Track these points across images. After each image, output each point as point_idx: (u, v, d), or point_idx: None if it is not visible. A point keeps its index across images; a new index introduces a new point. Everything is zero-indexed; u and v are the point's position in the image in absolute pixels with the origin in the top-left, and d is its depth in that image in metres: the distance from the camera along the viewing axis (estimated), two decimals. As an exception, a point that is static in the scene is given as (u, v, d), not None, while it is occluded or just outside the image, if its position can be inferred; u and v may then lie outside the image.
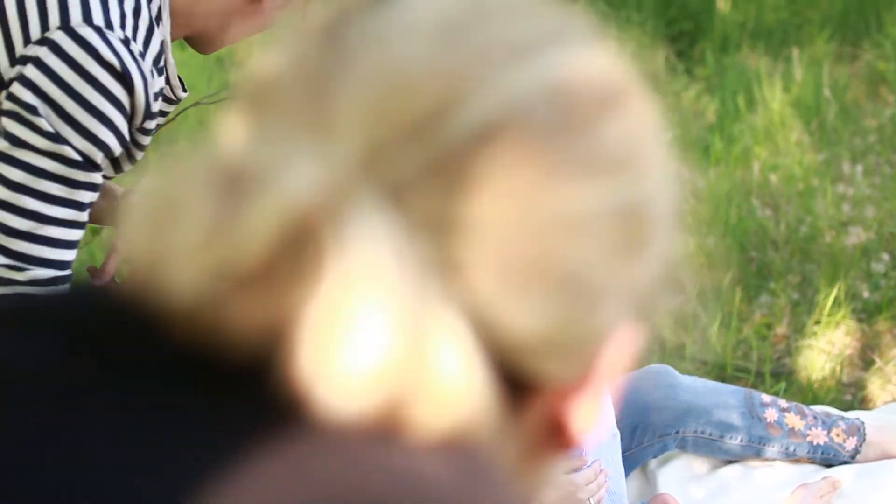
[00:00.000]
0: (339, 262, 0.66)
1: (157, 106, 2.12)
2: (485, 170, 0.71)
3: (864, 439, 3.17)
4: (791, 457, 3.15)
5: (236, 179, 0.69)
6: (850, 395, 4.11)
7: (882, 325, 4.49)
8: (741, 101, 6.53)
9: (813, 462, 3.18)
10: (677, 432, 3.08)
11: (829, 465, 3.18)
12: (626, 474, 3.11)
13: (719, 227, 5.07)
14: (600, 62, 0.80)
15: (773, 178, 5.75)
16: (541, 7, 0.80)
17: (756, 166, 5.83)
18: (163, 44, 2.18)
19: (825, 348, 4.32)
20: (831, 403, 3.95)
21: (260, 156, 0.70)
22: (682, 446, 3.11)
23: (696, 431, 3.07)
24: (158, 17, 2.14)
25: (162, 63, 2.21)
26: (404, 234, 0.68)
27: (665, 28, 8.04)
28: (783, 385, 3.97)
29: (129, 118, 2.04)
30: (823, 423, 3.16)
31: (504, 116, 0.72)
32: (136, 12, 2.10)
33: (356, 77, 0.72)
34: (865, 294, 4.73)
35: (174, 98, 2.30)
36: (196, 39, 2.31)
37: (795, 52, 7.07)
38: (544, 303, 0.73)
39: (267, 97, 0.75)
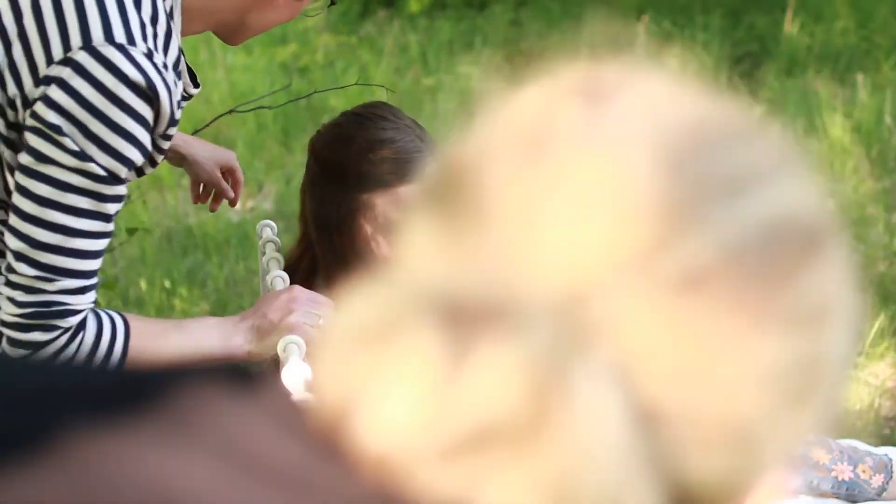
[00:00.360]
0: (564, 424, 0.64)
1: (179, 113, 2.13)
2: (691, 316, 0.68)
3: (892, 476, 3.11)
4: (815, 490, 3.09)
5: (462, 315, 0.64)
6: (889, 428, 4.04)
7: (927, 359, 4.41)
8: (802, 125, 6.46)
9: (837, 497, 3.12)
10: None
11: (854, 501, 3.12)
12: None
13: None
14: (808, 201, 0.76)
15: (831, 204, 5.66)
16: (758, 135, 0.76)
17: (811, 192, 5.74)
18: (179, 47, 2.20)
19: (867, 380, 4.25)
20: (868, 437, 3.88)
21: (481, 288, 0.66)
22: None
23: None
24: (171, 16, 2.14)
25: (181, 66, 2.24)
26: (618, 389, 0.66)
27: (731, 48, 7.97)
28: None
29: (153, 130, 2.05)
30: (850, 458, 3.10)
31: (717, 258, 0.69)
32: (154, 19, 2.10)
33: (566, 202, 0.68)
34: (913, 326, 4.65)
35: (187, 95, 2.32)
36: (218, 32, 2.32)
37: (860, 78, 6.97)
38: (717, 455, 0.71)
39: (469, 210, 0.70)
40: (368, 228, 2.55)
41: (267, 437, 0.66)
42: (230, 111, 3.26)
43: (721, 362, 0.69)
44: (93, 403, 0.66)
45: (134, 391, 0.68)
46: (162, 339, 2.21)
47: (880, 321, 4.46)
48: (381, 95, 5.56)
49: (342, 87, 2.93)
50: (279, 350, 2.29)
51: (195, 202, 3.07)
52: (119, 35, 2.00)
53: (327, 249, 2.61)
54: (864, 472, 3.10)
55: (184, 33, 2.23)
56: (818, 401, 0.76)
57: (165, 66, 2.05)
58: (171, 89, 2.04)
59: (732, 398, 0.70)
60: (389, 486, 0.64)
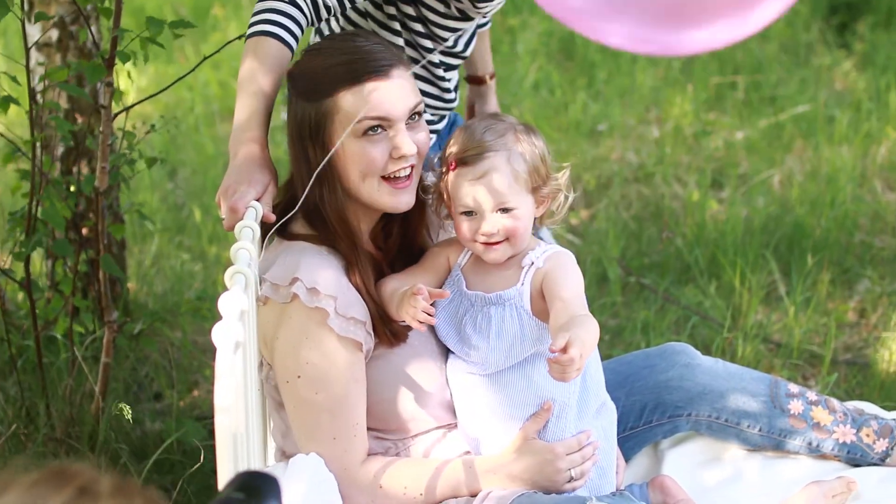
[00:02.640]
0: None
1: None
2: None
3: (896, 442, 3.00)
4: (815, 452, 2.99)
5: None
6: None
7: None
8: (889, 79, 6.24)
9: (839, 460, 3.02)
10: (689, 414, 2.95)
11: (856, 465, 3.01)
12: (634, 452, 3.00)
13: (825, 208, 4.85)
14: None
15: (907, 160, 5.48)
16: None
17: (885, 147, 5.56)
18: None
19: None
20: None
21: None
22: (697, 429, 2.98)
23: (709, 416, 2.95)
24: None
25: None
26: None
27: (829, -3, 7.73)
28: (835, 375, 3.79)
29: None
30: (854, 420, 2.99)
31: None
32: None
33: None
34: (974, 291, 4.48)
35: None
36: None
37: (958, 32, 6.71)
38: None
39: None
40: (341, 131, 2.56)
41: None
42: (238, 37, 3.23)
43: None
44: None
45: None
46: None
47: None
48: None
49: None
50: (226, 278, 2.30)
51: None
52: None
53: (303, 165, 2.62)
54: (867, 436, 2.98)
55: None
56: None
57: None
58: None
59: None
60: None
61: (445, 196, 2.68)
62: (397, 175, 2.61)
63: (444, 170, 2.67)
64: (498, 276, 2.68)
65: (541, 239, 2.80)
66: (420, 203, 2.75)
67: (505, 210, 2.60)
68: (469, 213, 2.62)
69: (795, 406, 2.97)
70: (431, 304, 2.55)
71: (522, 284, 2.64)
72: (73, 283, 3.68)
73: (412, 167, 2.63)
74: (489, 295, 2.65)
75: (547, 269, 2.63)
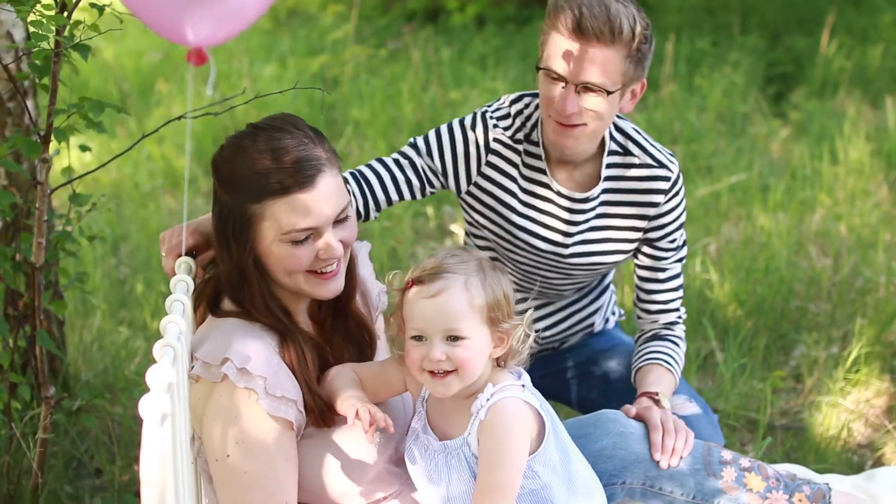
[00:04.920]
0: None
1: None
2: None
3: (829, 506, 3.03)
4: (748, 517, 3.02)
5: None
6: (859, 456, 3.95)
7: (913, 387, 4.32)
8: (822, 148, 6.37)
9: (771, 524, 3.05)
10: (623, 482, 2.97)
11: (789, 530, 3.04)
12: (571, 521, 3.02)
13: (760, 274, 4.93)
14: None
15: (842, 228, 5.57)
16: None
17: (819, 214, 5.66)
18: None
19: (848, 406, 4.16)
20: (837, 463, 3.81)
21: None
22: (631, 496, 3.00)
23: (643, 483, 2.97)
24: None
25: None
26: None
27: (767, 69, 7.88)
28: (769, 440, 3.83)
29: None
30: (786, 486, 3.02)
31: None
32: None
33: None
34: (907, 354, 4.55)
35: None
36: None
37: (889, 101, 6.85)
38: None
39: None
40: (267, 236, 2.59)
41: None
42: (179, 117, 3.28)
43: None
44: None
45: None
46: None
47: (863, 346, 4.37)
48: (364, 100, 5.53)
49: (278, 93, 2.91)
50: (155, 351, 2.31)
51: None
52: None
53: (227, 262, 2.64)
54: (800, 501, 3.01)
55: None
56: None
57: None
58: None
59: None
60: None
61: (401, 320, 2.57)
62: (324, 270, 2.65)
63: (402, 294, 2.57)
64: (450, 419, 2.60)
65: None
66: (350, 271, 2.78)
67: (455, 338, 2.49)
68: (419, 339, 2.51)
69: (728, 473, 2.99)
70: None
71: (469, 434, 2.54)
72: (12, 359, 3.67)
73: (338, 258, 2.65)
74: (438, 443, 2.59)
75: (484, 427, 2.51)
